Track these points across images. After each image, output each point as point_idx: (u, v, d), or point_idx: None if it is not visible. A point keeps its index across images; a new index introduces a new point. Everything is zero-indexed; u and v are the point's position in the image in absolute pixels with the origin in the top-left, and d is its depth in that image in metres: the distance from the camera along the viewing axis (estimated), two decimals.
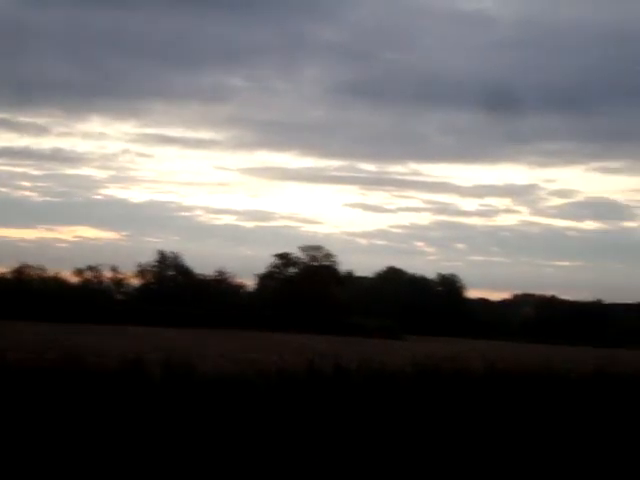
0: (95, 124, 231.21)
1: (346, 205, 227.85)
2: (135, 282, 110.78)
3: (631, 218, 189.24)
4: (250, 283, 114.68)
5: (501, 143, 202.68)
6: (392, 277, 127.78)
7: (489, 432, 18.00)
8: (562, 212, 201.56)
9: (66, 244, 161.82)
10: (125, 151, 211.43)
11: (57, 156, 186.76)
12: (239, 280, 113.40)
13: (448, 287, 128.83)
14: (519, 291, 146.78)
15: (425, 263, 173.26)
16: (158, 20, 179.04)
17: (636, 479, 15.70)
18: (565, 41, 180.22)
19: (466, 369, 25.87)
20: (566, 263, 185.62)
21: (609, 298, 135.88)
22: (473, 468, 15.14)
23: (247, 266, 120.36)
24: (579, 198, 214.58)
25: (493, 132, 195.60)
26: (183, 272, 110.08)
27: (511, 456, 16.14)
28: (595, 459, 16.51)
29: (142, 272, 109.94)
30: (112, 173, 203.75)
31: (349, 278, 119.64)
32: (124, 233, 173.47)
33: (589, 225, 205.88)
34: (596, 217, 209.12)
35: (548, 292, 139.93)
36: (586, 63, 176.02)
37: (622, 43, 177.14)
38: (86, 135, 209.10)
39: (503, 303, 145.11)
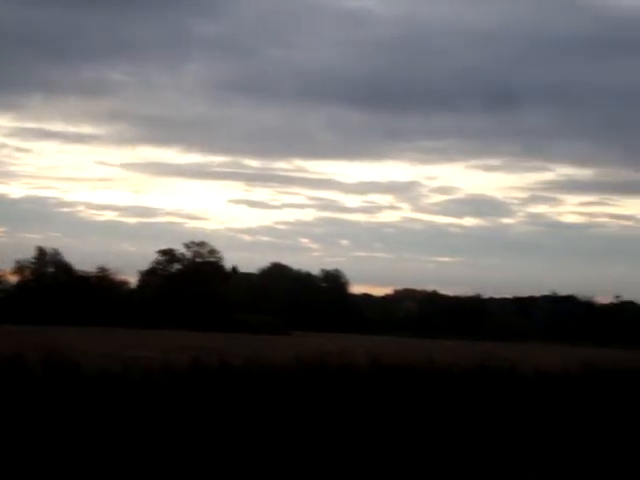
0: None
1: (230, 201, 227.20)
2: (13, 279, 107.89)
3: (508, 215, 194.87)
4: (133, 280, 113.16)
5: (384, 140, 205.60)
6: (277, 273, 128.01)
7: (373, 425, 18.21)
8: (443, 209, 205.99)
9: None
10: (2, 145, 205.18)
11: None
12: (122, 277, 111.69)
13: (332, 283, 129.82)
14: (401, 286, 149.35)
15: (309, 259, 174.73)
16: (38, 13, 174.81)
17: (510, 465, 16.14)
18: (447, 40, 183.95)
19: (351, 364, 26.11)
20: (447, 259, 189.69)
21: (487, 293, 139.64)
22: (356, 459, 15.29)
23: (130, 263, 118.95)
24: (459, 195, 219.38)
25: (376, 129, 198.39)
26: (63, 269, 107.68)
27: (396, 447, 16.38)
28: (476, 449, 16.90)
29: (20, 269, 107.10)
30: None
31: (234, 274, 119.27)
32: (1, 229, 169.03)
33: (469, 221, 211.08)
34: (475, 214, 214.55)
35: (429, 287, 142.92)
36: (466, 62, 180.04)
37: (504, 43, 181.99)
38: None
39: (386, 298, 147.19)
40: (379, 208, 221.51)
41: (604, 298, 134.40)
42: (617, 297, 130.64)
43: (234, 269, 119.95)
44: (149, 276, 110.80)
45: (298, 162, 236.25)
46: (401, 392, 22.59)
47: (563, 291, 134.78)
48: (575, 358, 34.67)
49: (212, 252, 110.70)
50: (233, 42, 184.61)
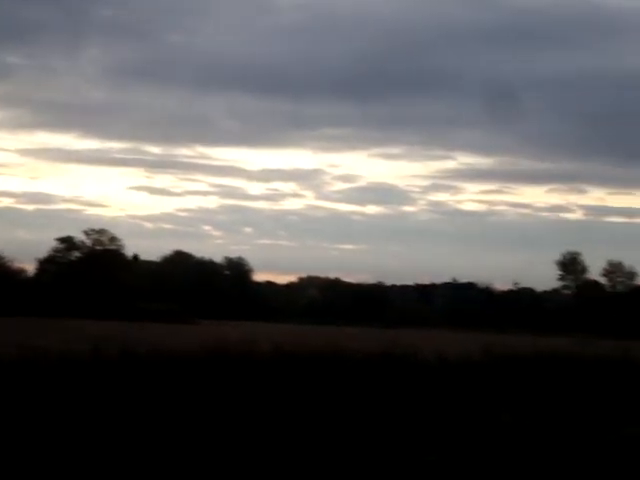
0: None
1: (131, 188, 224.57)
2: None
3: (410, 203, 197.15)
4: (30, 268, 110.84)
5: (286, 128, 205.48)
6: (179, 261, 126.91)
7: (274, 411, 18.17)
8: (346, 197, 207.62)
9: None
10: None
11: None
12: (18, 265, 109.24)
13: (235, 271, 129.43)
14: (305, 274, 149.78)
15: (213, 247, 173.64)
16: None
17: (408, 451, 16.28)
18: (349, 28, 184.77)
19: (254, 351, 26.02)
20: (350, 246, 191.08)
21: (389, 280, 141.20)
22: (255, 445, 15.21)
23: (27, 251, 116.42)
24: (362, 183, 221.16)
25: (279, 117, 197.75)
26: None
27: (296, 433, 16.36)
28: (377, 434, 17.00)
29: None
30: None
31: (136, 262, 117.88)
32: None
33: (371, 209, 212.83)
34: (378, 202, 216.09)
35: (333, 275, 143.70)
36: (368, 50, 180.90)
37: (406, 31, 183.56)
38: None
39: (289, 286, 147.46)
40: (282, 196, 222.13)
41: (503, 285, 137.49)
42: (515, 284, 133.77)
43: (135, 257, 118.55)
44: (47, 264, 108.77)
45: (200, 149, 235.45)
46: (303, 379, 22.60)
47: (463, 278, 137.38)
48: (475, 344, 35.21)
49: (112, 240, 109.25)
50: (133, 27, 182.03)
